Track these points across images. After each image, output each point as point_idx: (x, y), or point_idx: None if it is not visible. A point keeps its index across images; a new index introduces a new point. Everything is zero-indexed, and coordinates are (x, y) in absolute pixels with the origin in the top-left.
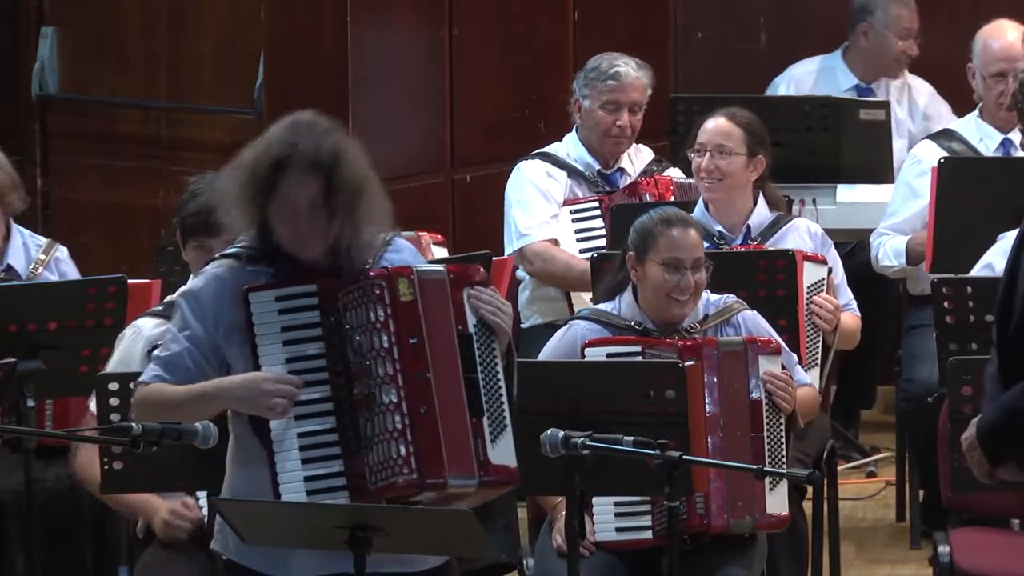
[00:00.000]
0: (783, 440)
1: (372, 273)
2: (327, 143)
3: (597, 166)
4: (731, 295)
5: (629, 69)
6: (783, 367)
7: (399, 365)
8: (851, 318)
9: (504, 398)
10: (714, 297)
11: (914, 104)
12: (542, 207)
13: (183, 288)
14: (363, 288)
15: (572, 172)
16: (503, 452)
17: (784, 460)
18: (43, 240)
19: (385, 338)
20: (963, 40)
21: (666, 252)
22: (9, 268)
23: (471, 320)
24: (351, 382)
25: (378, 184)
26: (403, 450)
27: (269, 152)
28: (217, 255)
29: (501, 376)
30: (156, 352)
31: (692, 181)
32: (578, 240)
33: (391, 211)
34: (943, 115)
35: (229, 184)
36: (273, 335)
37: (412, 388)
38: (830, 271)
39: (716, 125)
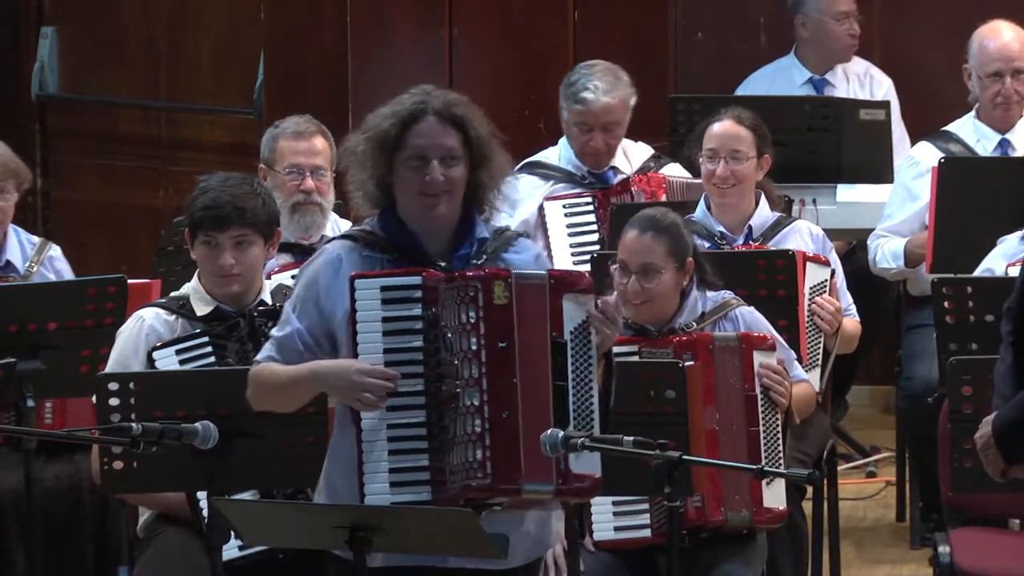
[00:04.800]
0: (779, 436)
1: (470, 273)
2: (455, 98)
3: (587, 167)
4: (727, 291)
5: (598, 95)
6: (779, 362)
7: (485, 369)
8: (851, 323)
9: (595, 407)
10: (710, 294)
11: (873, 96)
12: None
13: (303, 265)
14: (459, 288)
15: (561, 178)
16: (587, 462)
17: (781, 456)
18: (36, 239)
19: (474, 340)
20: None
21: (619, 253)
22: (8, 264)
23: (568, 327)
24: (442, 379)
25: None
26: (479, 454)
27: (398, 112)
28: (335, 236)
29: (594, 385)
30: (272, 331)
31: (690, 180)
32: (569, 235)
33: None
34: (894, 112)
35: (357, 147)
36: (374, 324)
37: (496, 393)
38: (832, 273)
39: (725, 129)
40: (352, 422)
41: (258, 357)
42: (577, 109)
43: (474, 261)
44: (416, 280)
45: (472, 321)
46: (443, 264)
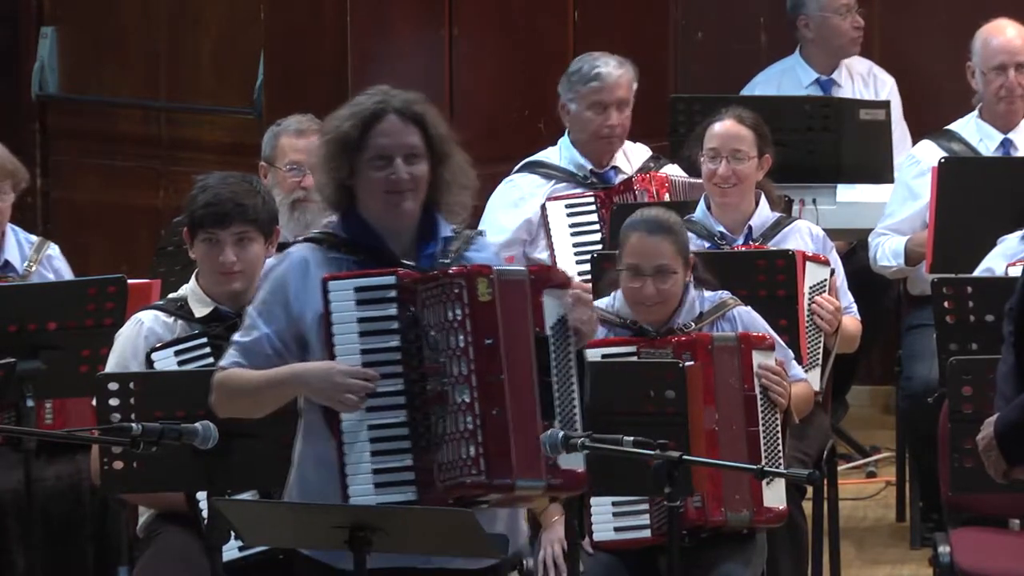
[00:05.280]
0: (779, 435)
1: (452, 271)
2: (414, 97)
3: (590, 166)
4: (725, 291)
5: (610, 69)
6: (777, 361)
7: (474, 366)
8: (851, 321)
9: (577, 402)
10: (708, 294)
11: (877, 95)
12: (499, 231)
13: (265, 270)
14: (442, 285)
15: (563, 178)
16: (573, 456)
17: (780, 455)
18: (34, 238)
19: (461, 338)
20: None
21: (627, 257)
22: (7, 264)
23: (549, 322)
24: (425, 377)
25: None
26: (472, 451)
27: (358, 113)
28: (300, 238)
29: (575, 379)
30: (235, 336)
31: (691, 180)
32: (572, 235)
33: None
34: (896, 111)
35: (318, 151)
36: (350, 325)
37: (485, 389)
38: (832, 272)
39: (727, 129)
40: (328, 425)
41: (223, 363)
42: (593, 87)
43: (441, 260)
44: (390, 280)
45: (459, 319)
46: (412, 264)
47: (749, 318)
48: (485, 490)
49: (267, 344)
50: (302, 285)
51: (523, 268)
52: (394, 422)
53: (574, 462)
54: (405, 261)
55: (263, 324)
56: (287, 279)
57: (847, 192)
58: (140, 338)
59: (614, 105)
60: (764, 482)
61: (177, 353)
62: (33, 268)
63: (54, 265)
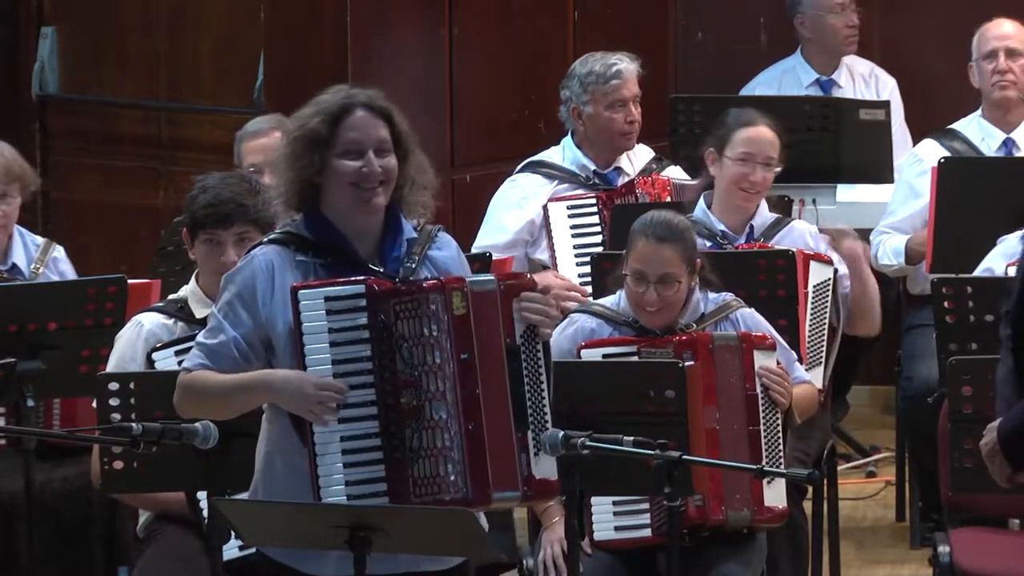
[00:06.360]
0: (780, 435)
1: (426, 284)
2: (377, 93)
3: (593, 167)
4: (729, 293)
5: (626, 64)
6: (779, 363)
7: (450, 382)
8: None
9: (547, 407)
10: (712, 295)
11: (878, 96)
12: (502, 231)
13: (230, 272)
14: (417, 300)
15: (565, 178)
16: (546, 465)
17: (781, 455)
18: (40, 240)
19: (438, 354)
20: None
21: (632, 262)
22: (14, 267)
23: (519, 331)
24: (398, 389)
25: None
26: (450, 468)
27: (325, 109)
28: (264, 240)
29: (545, 387)
30: (200, 337)
31: (691, 183)
32: (573, 236)
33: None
34: (897, 112)
35: (283, 149)
36: (321, 335)
37: (462, 405)
38: (836, 271)
39: (763, 136)
40: (297, 432)
41: (187, 364)
42: (614, 85)
43: (407, 264)
44: (360, 289)
45: (435, 335)
46: (381, 270)
47: (753, 320)
48: (464, 505)
49: (233, 347)
50: (269, 289)
51: (492, 277)
52: (365, 432)
53: (547, 471)
54: (372, 266)
55: (229, 327)
56: (254, 282)
57: (847, 192)
58: (140, 340)
59: (632, 100)
60: (765, 481)
61: (178, 353)
62: (39, 271)
63: (60, 268)
